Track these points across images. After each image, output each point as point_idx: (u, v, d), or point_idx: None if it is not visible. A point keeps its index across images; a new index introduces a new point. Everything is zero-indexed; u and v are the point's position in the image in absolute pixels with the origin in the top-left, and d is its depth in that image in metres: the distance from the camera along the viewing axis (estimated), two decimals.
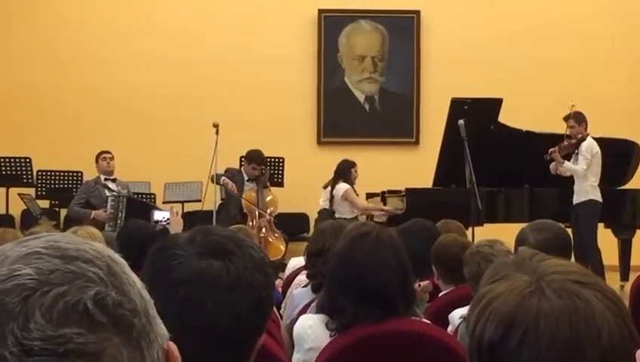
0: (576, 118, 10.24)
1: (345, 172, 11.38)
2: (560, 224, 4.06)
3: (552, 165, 10.26)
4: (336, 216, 11.06)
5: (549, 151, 10.13)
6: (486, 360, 1.39)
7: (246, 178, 11.34)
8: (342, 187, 11.26)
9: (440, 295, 4.77)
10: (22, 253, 0.90)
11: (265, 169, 11.43)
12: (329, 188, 11.54)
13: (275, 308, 4.75)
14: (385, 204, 11.44)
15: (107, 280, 0.90)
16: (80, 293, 0.87)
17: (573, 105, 10.20)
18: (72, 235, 0.98)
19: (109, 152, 10.83)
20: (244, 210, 11.15)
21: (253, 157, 11.31)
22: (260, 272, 1.72)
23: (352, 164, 11.45)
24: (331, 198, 11.30)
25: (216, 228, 1.86)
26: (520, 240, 3.65)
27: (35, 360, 0.83)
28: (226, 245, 1.74)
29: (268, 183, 11.52)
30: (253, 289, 1.70)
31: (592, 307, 1.35)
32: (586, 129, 10.29)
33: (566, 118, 10.29)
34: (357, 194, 11.42)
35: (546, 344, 1.34)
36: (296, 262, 6.22)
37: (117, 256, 0.95)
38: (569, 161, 10.25)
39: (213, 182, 11.04)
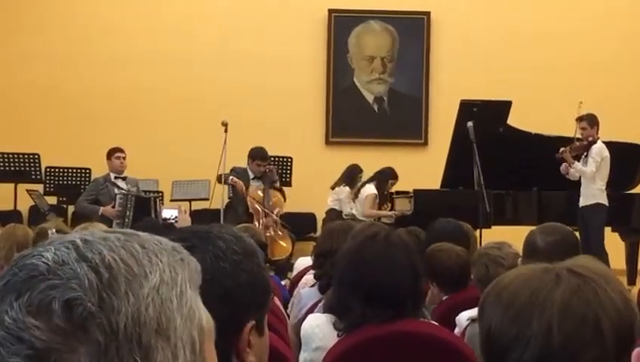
0: (589, 121, 10.22)
1: (381, 177, 11.43)
2: (568, 227, 4.05)
3: (563, 166, 10.24)
4: (352, 212, 11.10)
5: (560, 150, 10.11)
6: (478, 322, 1.42)
7: (251, 176, 11.30)
8: (369, 189, 11.31)
9: (445, 298, 4.77)
10: (71, 237, 0.94)
11: (270, 167, 11.38)
12: (337, 188, 11.56)
13: (282, 307, 4.78)
14: (393, 205, 11.44)
15: (97, 290, 0.90)
16: (62, 293, 0.89)
17: (581, 103, 10.18)
18: (144, 235, 0.99)
19: (122, 151, 10.69)
20: (250, 210, 11.12)
21: (257, 154, 11.26)
22: (226, 261, 1.70)
23: (394, 176, 11.51)
24: (357, 192, 11.34)
25: (192, 226, 1.82)
26: (529, 243, 3.65)
27: (1, 334, 0.89)
28: (186, 240, 1.71)
29: (276, 179, 11.45)
30: (215, 280, 1.67)
31: (558, 286, 1.37)
32: (597, 132, 10.27)
33: (579, 119, 10.26)
34: (379, 205, 11.42)
35: (504, 305, 1.37)
36: (304, 261, 6.22)
37: (142, 270, 0.94)
38: (578, 162, 10.24)
39: (220, 182, 11.04)
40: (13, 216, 10.94)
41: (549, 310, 1.34)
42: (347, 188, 11.52)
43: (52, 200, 11.82)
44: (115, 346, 0.89)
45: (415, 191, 10.84)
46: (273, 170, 11.40)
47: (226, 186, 11.21)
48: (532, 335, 1.33)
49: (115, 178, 10.66)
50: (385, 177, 11.51)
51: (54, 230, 5.00)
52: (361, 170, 11.66)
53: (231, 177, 10.99)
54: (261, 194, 11.19)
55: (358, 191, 11.39)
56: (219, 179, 11.02)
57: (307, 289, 4.82)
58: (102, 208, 10.39)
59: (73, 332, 0.88)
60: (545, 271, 1.40)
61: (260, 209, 11.07)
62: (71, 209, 11.68)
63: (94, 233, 0.96)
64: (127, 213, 10.34)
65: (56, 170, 11.83)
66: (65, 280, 0.90)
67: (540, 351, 1.32)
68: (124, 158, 10.68)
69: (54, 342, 0.88)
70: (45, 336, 0.88)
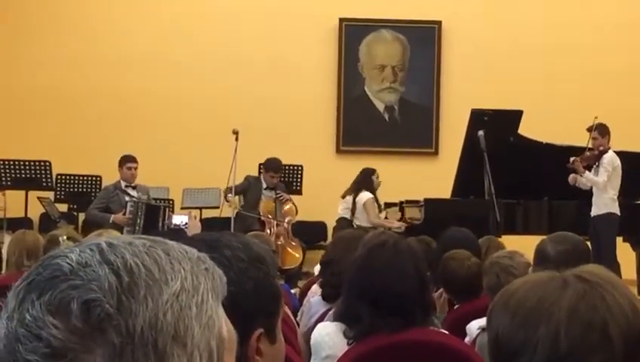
0: (600, 130, 10.21)
1: (366, 179, 11.34)
2: (579, 236, 4.03)
3: (571, 176, 10.22)
4: (357, 223, 11.04)
5: (571, 160, 10.10)
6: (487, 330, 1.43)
7: (264, 186, 11.37)
8: (364, 196, 11.22)
9: (456, 306, 4.76)
10: (98, 240, 0.96)
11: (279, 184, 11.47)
12: (347, 197, 11.52)
13: (292, 316, 4.77)
14: (403, 214, 11.40)
15: (117, 292, 0.91)
16: (82, 294, 0.90)
17: (596, 118, 10.16)
18: (170, 243, 1.00)
19: (134, 161, 10.71)
20: (262, 218, 11.15)
21: (270, 166, 11.34)
22: (231, 269, 1.69)
23: (372, 171, 11.41)
24: (353, 206, 11.27)
25: (202, 233, 1.82)
26: (540, 252, 3.63)
27: (21, 331, 0.90)
28: (194, 248, 1.71)
29: (282, 194, 11.45)
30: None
31: (565, 292, 1.39)
32: (608, 141, 10.26)
33: (589, 129, 10.25)
34: (379, 204, 11.37)
35: (511, 312, 1.38)
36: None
37: (163, 276, 0.95)
38: (589, 172, 10.22)
39: (226, 200, 11.13)
40: (24, 223, 10.95)
41: (557, 315, 1.34)
42: None
43: (63, 207, 11.84)
44: (131, 349, 0.90)
45: (425, 200, 10.81)
46: (282, 187, 11.50)
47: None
48: (539, 340, 1.33)
49: (126, 186, 10.69)
50: (367, 177, 11.35)
51: (65, 237, 5.01)
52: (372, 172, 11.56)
53: (229, 195, 11.00)
54: (273, 204, 11.23)
55: (354, 204, 11.28)
56: (225, 197, 11.08)
57: (317, 298, 4.82)
58: (113, 216, 10.41)
59: (90, 333, 0.89)
60: (551, 277, 1.41)
61: (271, 218, 11.10)
62: (81, 216, 11.69)
63: (121, 237, 0.98)
64: (138, 220, 10.35)
65: (67, 177, 11.85)
66: (86, 281, 0.91)
67: (548, 357, 1.33)
68: (135, 169, 10.70)
69: (71, 342, 0.89)
70: (62, 335, 0.89)
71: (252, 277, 1.74)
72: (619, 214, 10.12)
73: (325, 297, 4.56)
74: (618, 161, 10.14)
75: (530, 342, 1.34)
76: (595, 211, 10.12)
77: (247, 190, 11.41)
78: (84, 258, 0.93)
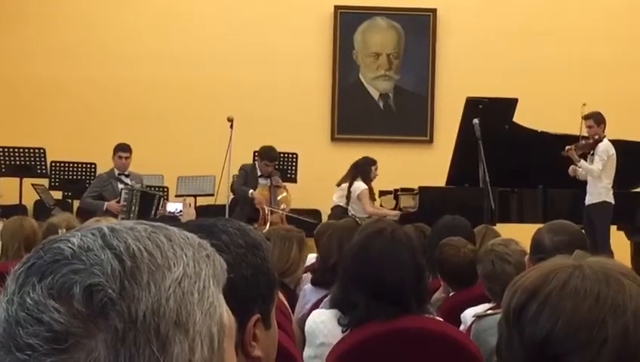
0: (596, 119, 10.20)
1: (365, 169, 11.29)
2: (576, 225, 4.02)
3: (571, 168, 10.21)
4: (352, 213, 11.03)
5: (566, 148, 10.08)
6: (513, 327, 1.42)
7: (259, 174, 11.34)
8: (359, 186, 11.18)
9: (451, 294, 4.76)
10: (97, 226, 0.96)
11: (275, 172, 11.44)
12: (343, 184, 11.48)
13: (286, 303, 4.77)
14: (397, 202, 11.39)
15: (119, 277, 0.91)
16: (84, 278, 0.90)
17: (584, 105, 10.16)
18: (172, 229, 1.00)
19: (126, 150, 10.71)
20: (257, 206, 11.14)
21: (266, 154, 11.28)
22: (229, 254, 1.69)
23: (373, 162, 11.36)
24: (348, 194, 11.24)
25: (197, 220, 1.82)
26: (536, 241, 3.61)
27: (22, 314, 0.90)
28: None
29: (279, 181, 11.43)
30: None
31: (624, 289, 1.36)
32: (604, 130, 10.25)
33: (585, 118, 10.24)
34: (373, 193, 11.36)
35: (568, 310, 1.35)
36: (312, 257, 6.23)
37: (166, 262, 0.94)
38: (584, 160, 10.22)
39: (234, 193, 11.11)
40: (18, 210, 10.91)
41: (623, 312, 1.34)
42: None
43: (57, 194, 11.83)
44: (133, 334, 0.90)
45: (420, 188, 10.80)
46: (277, 175, 11.47)
47: (232, 182, 11.24)
48: (608, 337, 1.33)
49: (119, 174, 10.70)
50: (366, 168, 11.32)
51: (64, 230, 4.98)
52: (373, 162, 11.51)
53: (251, 191, 11.00)
54: (267, 192, 11.21)
55: (349, 192, 11.25)
56: (233, 191, 11.07)
57: (311, 285, 4.85)
58: (106, 203, 10.41)
59: (92, 318, 0.89)
60: (596, 271, 1.39)
61: (265, 206, 11.09)
62: (76, 203, 11.67)
63: (122, 223, 0.98)
64: (133, 208, 10.35)
65: (62, 164, 11.83)
66: (88, 265, 0.91)
67: (617, 352, 1.32)
68: (126, 158, 10.70)
69: (73, 326, 0.89)
70: (64, 319, 0.89)
71: (249, 262, 1.74)
72: (613, 203, 10.12)
73: (315, 283, 4.61)
74: (613, 150, 10.14)
75: (596, 339, 1.33)
76: (589, 200, 10.13)
77: (247, 180, 11.37)
78: (86, 242, 0.93)
